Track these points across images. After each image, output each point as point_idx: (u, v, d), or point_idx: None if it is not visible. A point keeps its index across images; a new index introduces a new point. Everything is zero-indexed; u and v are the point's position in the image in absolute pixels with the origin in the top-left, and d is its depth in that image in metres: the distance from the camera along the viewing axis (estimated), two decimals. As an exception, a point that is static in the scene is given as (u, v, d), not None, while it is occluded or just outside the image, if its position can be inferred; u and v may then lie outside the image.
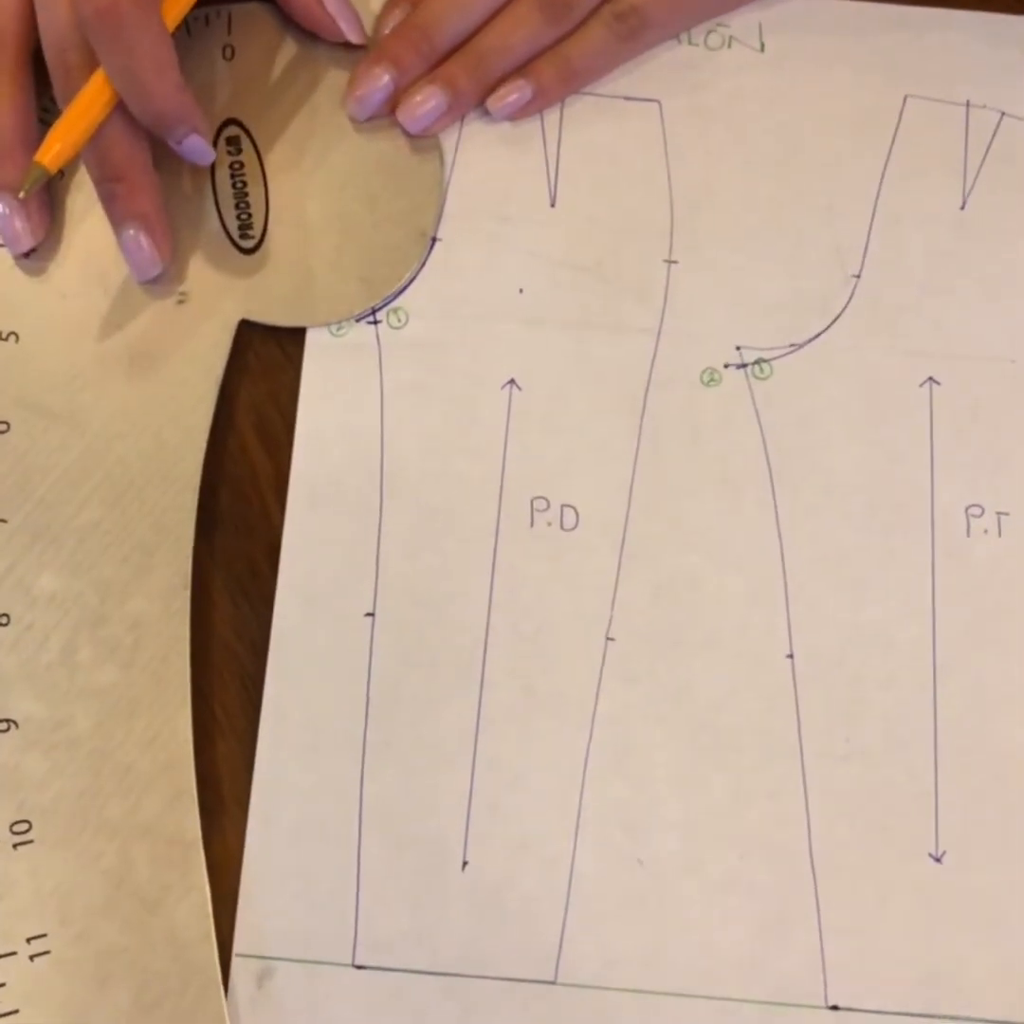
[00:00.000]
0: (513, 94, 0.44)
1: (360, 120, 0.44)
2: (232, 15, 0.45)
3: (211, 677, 0.41)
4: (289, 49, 0.45)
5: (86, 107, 0.40)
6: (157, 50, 0.39)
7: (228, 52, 0.45)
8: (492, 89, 0.45)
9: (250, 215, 0.44)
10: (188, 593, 0.41)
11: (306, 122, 0.45)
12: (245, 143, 0.44)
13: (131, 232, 0.42)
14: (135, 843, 0.39)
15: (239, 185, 0.44)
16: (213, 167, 0.44)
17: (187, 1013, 0.38)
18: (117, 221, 0.42)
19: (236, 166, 0.44)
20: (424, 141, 0.45)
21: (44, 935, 0.39)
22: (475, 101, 0.45)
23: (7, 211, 0.42)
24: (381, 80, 0.44)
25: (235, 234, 0.43)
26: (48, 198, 0.43)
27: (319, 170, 0.44)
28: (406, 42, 0.44)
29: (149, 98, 0.40)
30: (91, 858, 0.39)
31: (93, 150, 0.41)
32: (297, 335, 0.44)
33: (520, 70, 0.45)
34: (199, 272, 0.43)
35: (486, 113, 0.45)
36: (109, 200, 0.42)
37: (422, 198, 0.44)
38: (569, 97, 0.46)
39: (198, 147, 0.42)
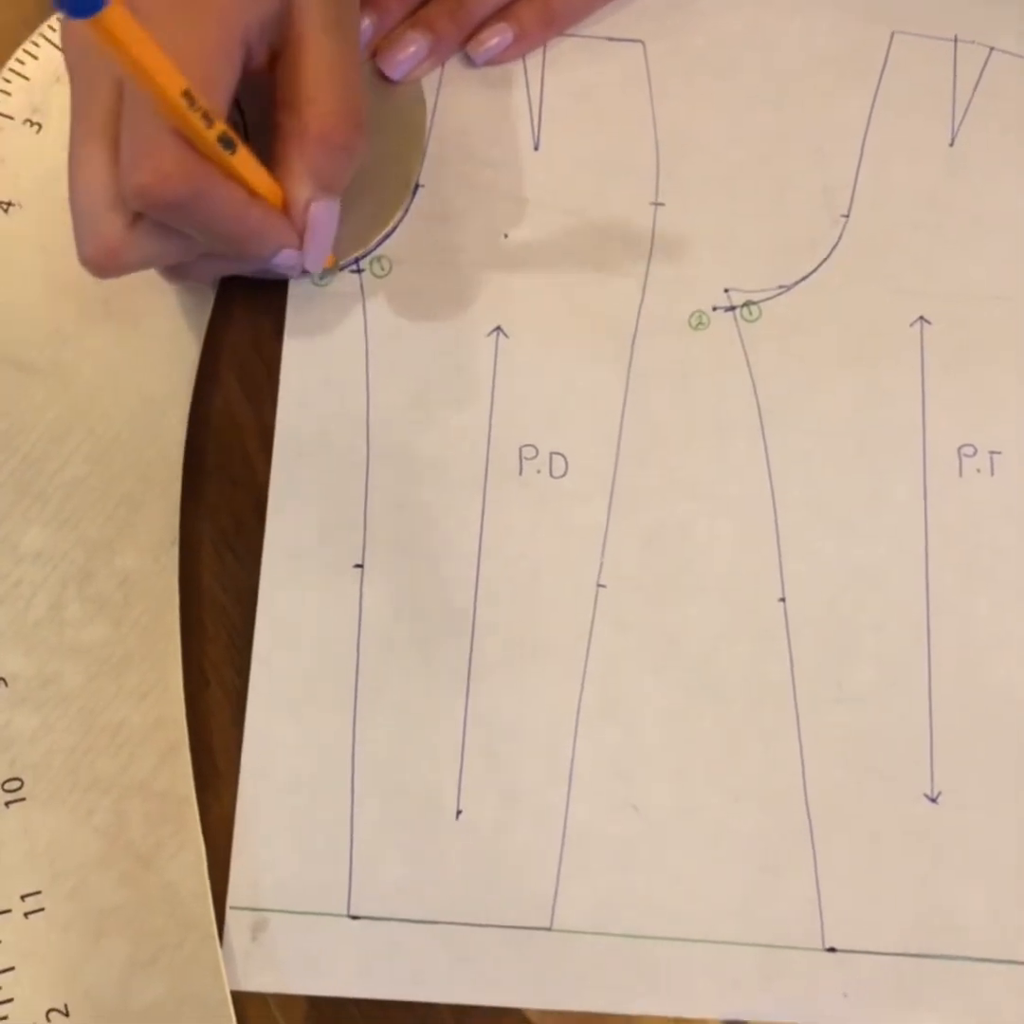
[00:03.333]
0: (494, 38, 0.44)
1: None
2: None
3: (199, 631, 0.41)
4: None
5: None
6: (224, 212, 0.36)
7: None
8: (473, 33, 0.44)
9: None
10: (176, 548, 0.41)
11: None
12: None
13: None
14: (128, 799, 0.39)
15: (231, 139, 0.43)
16: None
17: (183, 967, 0.38)
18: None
19: (231, 119, 0.43)
20: (408, 88, 0.44)
21: (38, 892, 0.39)
22: (456, 45, 0.44)
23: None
24: (361, 24, 0.43)
25: None
26: None
27: None
28: None
29: (232, 245, 0.38)
30: (84, 815, 0.39)
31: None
32: (280, 286, 0.43)
33: (501, 13, 0.44)
34: None
35: (468, 57, 0.44)
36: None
37: (407, 146, 0.44)
38: (551, 39, 0.45)
39: (291, 260, 0.39)
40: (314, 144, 0.37)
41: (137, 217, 0.35)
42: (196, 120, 0.33)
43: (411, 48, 0.43)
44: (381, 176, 0.43)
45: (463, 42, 0.44)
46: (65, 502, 0.41)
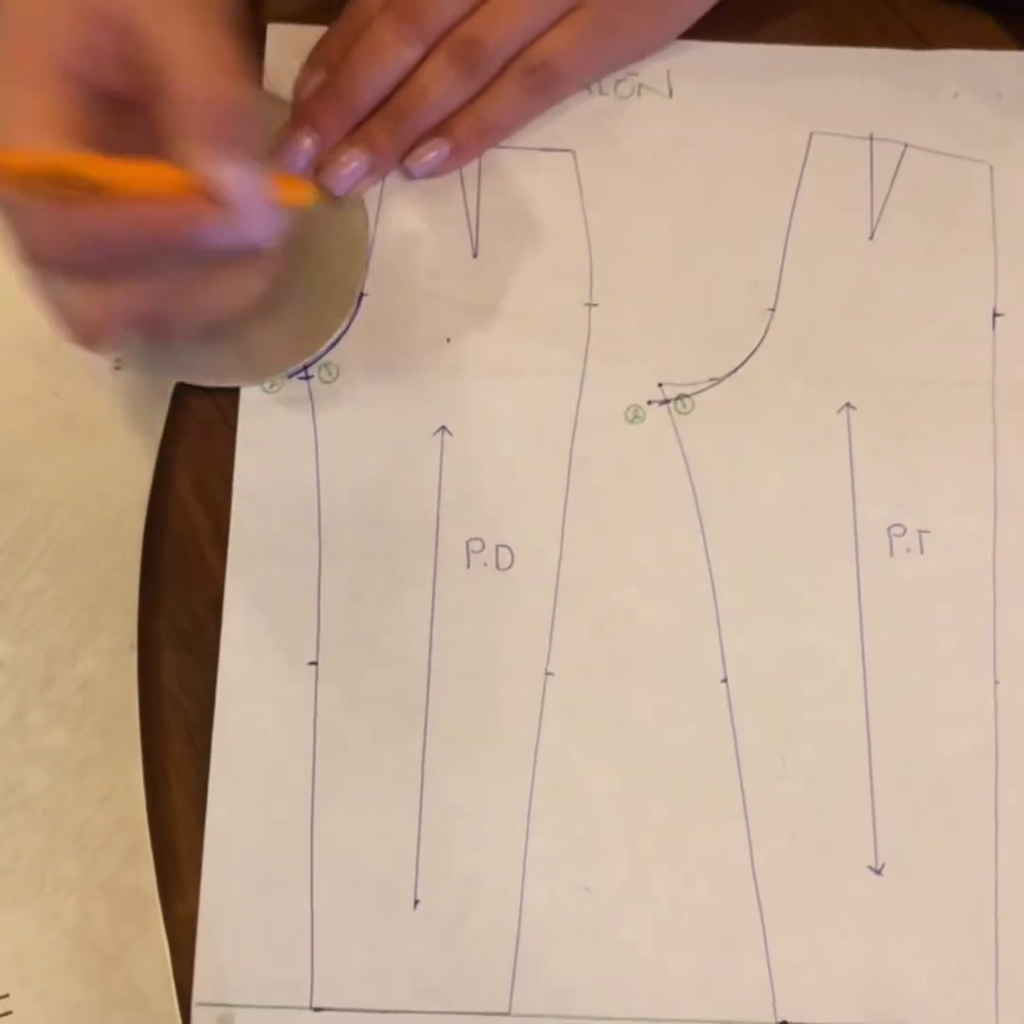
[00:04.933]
0: (431, 152, 0.46)
1: None
2: None
3: (159, 731, 0.42)
4: None
5: None
6: (100, 230, 0.35)
7: None
8: (411, 147, 0.46)
9: None
10: (135, 653, 0.42)
11: None
12: None
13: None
14: (93, 900, 0.40)
15: None
16: None
17: None
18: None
19: None
20: (349, 202, 0.46)
21: (6, 995, 0.39)
22: (395, 160, 0.46)
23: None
24: (302, 145, 0.45)
25: None
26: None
27: None
28: (326, 106, 0.46)
29: (156, 237, 0.36)
30: (50, 916, 0.40)
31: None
32: (231, 394, 0.45)
33: (437, 128, 0.46)
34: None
35: (407, 171, 0.47)
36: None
37: (350, 257, 0.46)
38: (486, 151, 0.47)
39: (222, 234, 0.36)
40: (198, 109, 0.34)
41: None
42: (32, 174, 0.32)
43: (352, 164, 0.45)
44: (327, 288, 0.45)
45: (402, 156, 0.46)
46: (26, 612, 0.42)
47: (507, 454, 0.45)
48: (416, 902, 0.41)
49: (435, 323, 0.46)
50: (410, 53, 0.45)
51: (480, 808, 0.42)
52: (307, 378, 0.45)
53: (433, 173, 0.46)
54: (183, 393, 0.45)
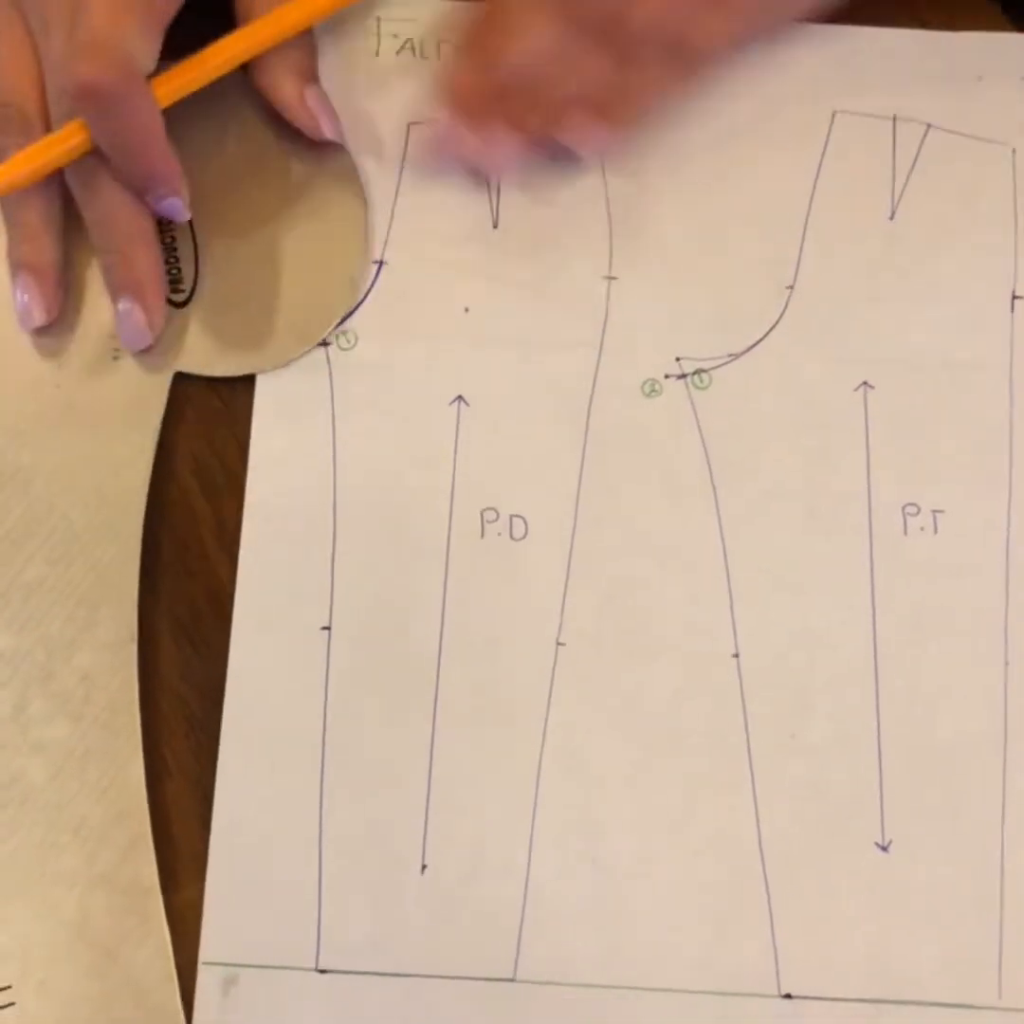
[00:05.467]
0: (587, 131, 0.45)
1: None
2: None
3: (159, 722, 0.42)
4: (215, 106, 0.46)
5: (53, 144, 0.41)
6: (144, 123, 0.40)
7: None
8: (562, 125, 0.45)
9: (180, 270, 0.45)
10: (135, 645, 0.42)
11: (234, 177, 0.46)
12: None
13: (124, 305, 0.43)
14: (93, 892, 0.40)
15: (168, 241, 0.45)
16: None
17: None
18: (112, 292, 0.43)
19: (165, 222, 0.45)
20: (348, 189, 0.46)
21: (8, 987, 0.39)
22: (541, 140, 0.45)
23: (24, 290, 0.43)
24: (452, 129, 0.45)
25: (166, 289, 0.45)
26: (64, 279, 0.44)
27: (247, 223, 0.45)
28: (471, 86, 0.45)
29: (135, 163, 0.41)
30: (50, 909, 0.40)
31: (94, 221, 0.43)
32: (232, 383, 0.45)
33: (587, 108, 0.45)
34: None
35: (424, 137, 0.46)
36: (106, 271, 0.43)
37: (348, 245, 0.46)
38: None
39: (176, 208, 0.43)
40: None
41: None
42: None
43: (502, 145, 0.45)
44: (326, 276, 0.45)
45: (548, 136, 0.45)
46: (25, 604, 0.42)
47: (523, 425, 0.45)
48: (424, 867, 0.41)
49: (454, 293, 0.46)
50: (553, 32, 0.44)
51: (489, 776, 0.42)
52: (325, 344, 0.45)
53: (590, 151, 0.46)
54: (185, 382, 0.44)
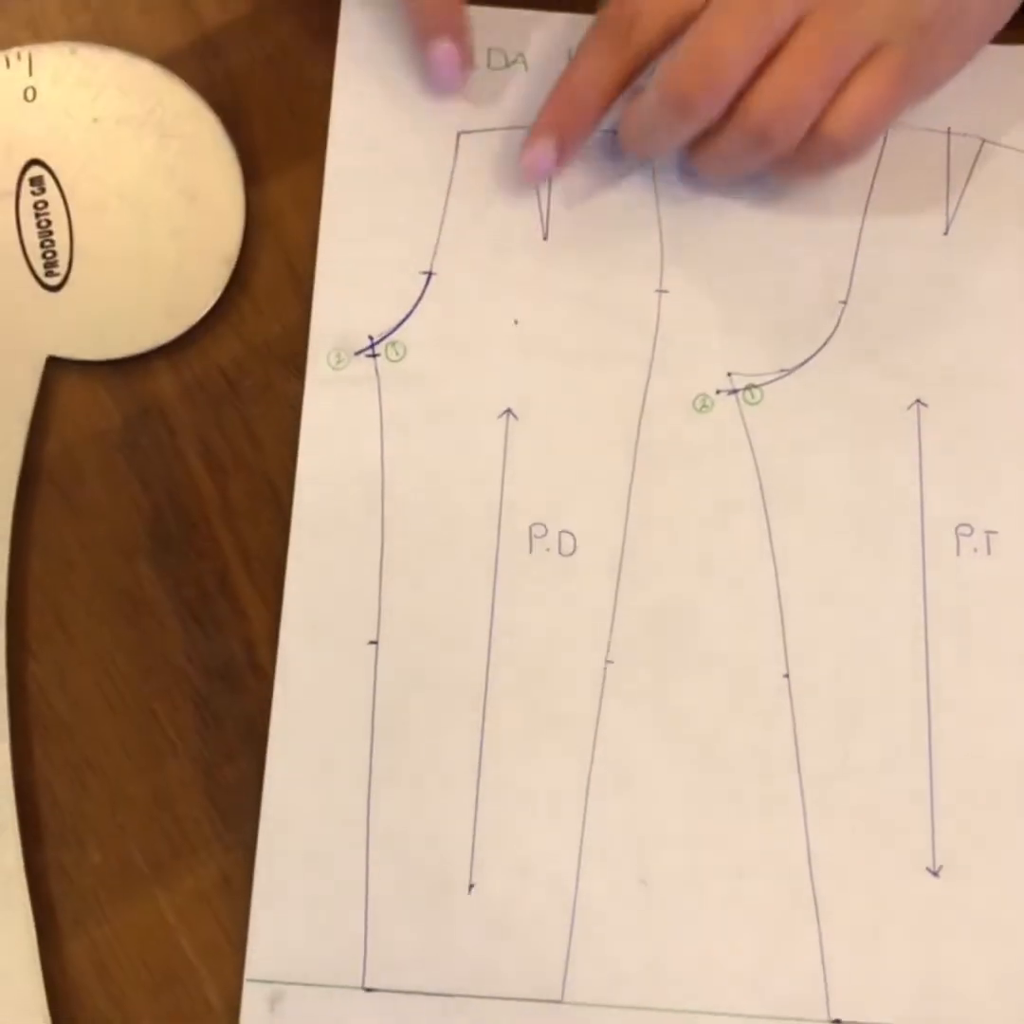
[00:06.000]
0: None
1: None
2: (32, 56, 0.46)
3: (163, 699, 0.42)
4: (90, 89, 0.46)
5: None
6: None
7: (30, 93, 0.46)
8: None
9: (55, 253, 0.45)
10: (2, 626, 0.41)
11: (109, 160, 0.45)
12: (49, 183, 0.45)
13: (441, 45, 0.44)
14: None
15: (44, 224, 0.45)
16: (17, 208, 0.45)
17: None
18: (426, 34, 0.45)
19: (40, 206, 0.45)
20: (226, 171, 0.46)
21: None
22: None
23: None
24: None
25: (40, 272, 0.44)
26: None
27: (123, 206, 0.45)
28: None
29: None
30: None
31: None
32: (240, 363, 0.45)
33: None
34: (3, 311, 0.44)
35: (475, 149, 0.46)
36: (415, 15, 0.45)
37: (225, 226, 0.45)
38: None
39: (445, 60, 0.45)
40: None
41: None
42: None
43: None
44: (202, 257, 0.45)
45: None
46: None
47: (573, 439, 0.44)
48: (471, 886, 0.41)
49: (503, 305, 0.45)
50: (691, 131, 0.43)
51: (537, 794, 0.41)
52: (374, 356, 0.45)
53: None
54: (191, 361, 0.45)
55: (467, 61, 0.45)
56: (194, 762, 0.42)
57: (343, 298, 0.45)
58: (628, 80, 0.43)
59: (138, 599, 0.43)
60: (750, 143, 0.41)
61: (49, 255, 0.45)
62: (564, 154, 0.45)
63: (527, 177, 0.46)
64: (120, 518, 0.44)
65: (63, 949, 0.41)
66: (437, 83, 0.46)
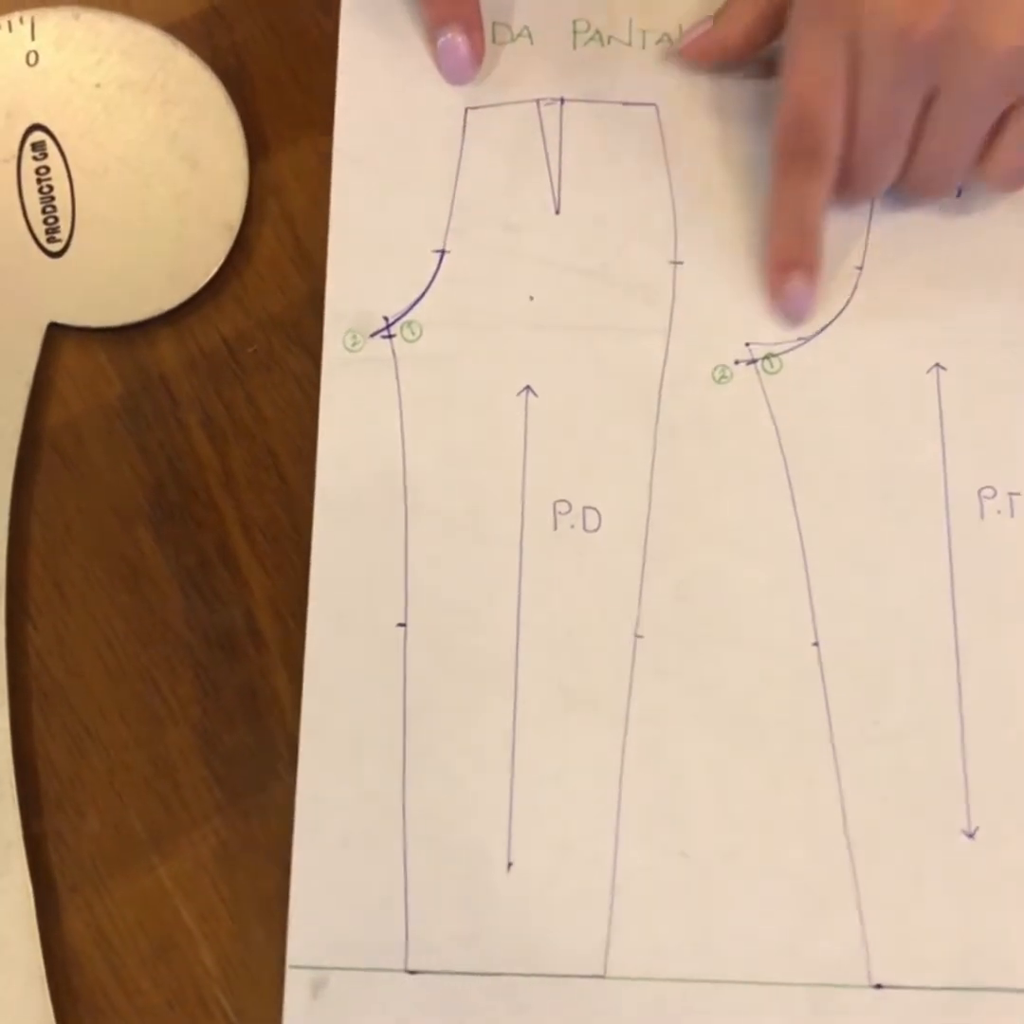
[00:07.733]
0: None
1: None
2: (35, 21, 0.46)
3: (163, 666, 0.42)
4: (94, 55, 0.45)
5: None
6: None
7: (32, 58, 0.46)
8: None
9: (57, 219, 0.44)
10: (2, 596, 0.41)
11: (111, 126, 0.45)
12: (50, 148, 0.45)
13: (449, 35, 0.44)
14: None
15: (46, 189, 0.45)
16: (18, 173, 0.45)
17: (11, 1008, 0.39)
18: (436, 23, 0.45)
19: (42, 171, 0.45)
20: (229, 138, 0.45)
21: None
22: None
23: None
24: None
25: (42, 238, 0.44)
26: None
27: (125, 171, 0.45)
28: None
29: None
30: None
31: None
32: (242, 330, 0.45)
33: None
34: (5, 277, 0.44)
35: (483, 122, 0.46)
36: (430, 3, 0.45)
37: (227, 193, 0.45)
38: (567, 104, 0.46)
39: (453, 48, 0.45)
40: None
41: None
42: None
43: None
44: (204, 223, 0.45)
45: None
46: None
47: (592, 414, 0.44)
48: (510, 865, 0.41)
49: (517, 281, 0.45)
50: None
51: (572, 770, 0.41)
52: (390, 337, 0.44)
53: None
54: (193, 329, 0.45)
55: (478, 53, 0.45)
56: (193, 730, 0.42)
57: (356, 279, 0.45)
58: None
59: (138, 567, 0.43)
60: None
61: (50, 221, 0.44)
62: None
63: (795, 321, 0.45)
64: (121, 486, 0.44)
65: (61, 917, 0.40)
66: (447, 74, 0.46)
